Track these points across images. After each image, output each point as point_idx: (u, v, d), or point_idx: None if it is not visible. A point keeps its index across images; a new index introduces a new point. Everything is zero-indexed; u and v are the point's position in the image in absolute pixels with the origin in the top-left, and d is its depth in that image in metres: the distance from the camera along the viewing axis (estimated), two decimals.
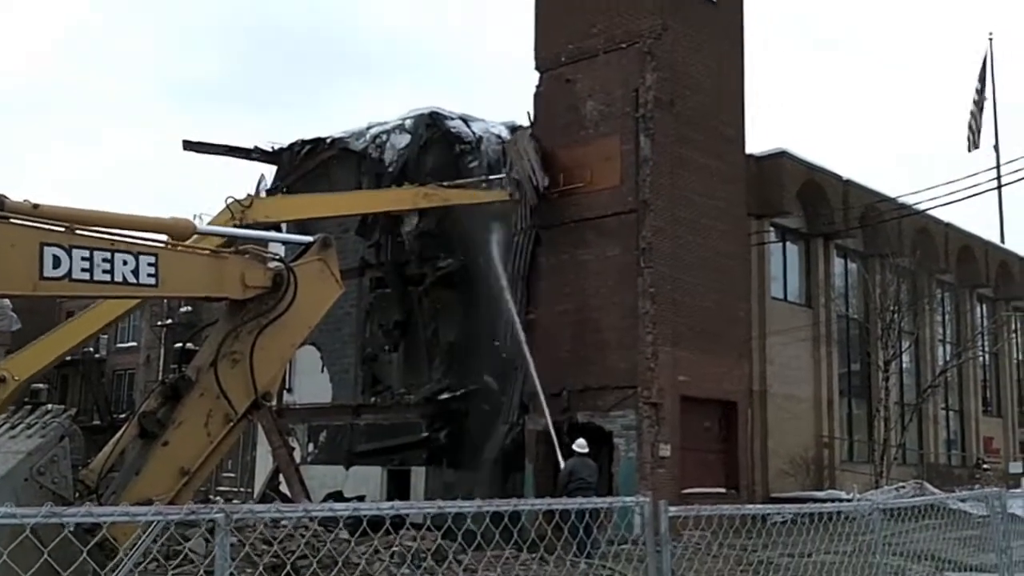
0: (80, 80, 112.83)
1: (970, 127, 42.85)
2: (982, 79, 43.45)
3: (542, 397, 21.15)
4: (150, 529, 5.74)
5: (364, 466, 24.74)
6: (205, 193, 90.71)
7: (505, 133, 25.12)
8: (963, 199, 25.57)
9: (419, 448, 23.62)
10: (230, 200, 18.35)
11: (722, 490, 22.07)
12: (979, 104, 42.80)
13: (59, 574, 5.86)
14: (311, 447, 26.25)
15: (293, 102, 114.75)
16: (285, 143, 27.84)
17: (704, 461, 22.15)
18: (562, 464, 18.63)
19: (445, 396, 23.73)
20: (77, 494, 9.77)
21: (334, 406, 26.30)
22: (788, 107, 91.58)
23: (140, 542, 6.23)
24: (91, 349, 53.88)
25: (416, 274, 24.85)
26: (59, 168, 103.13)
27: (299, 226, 26.21)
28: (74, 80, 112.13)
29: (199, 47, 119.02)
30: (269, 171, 28.60)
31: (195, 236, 12.06)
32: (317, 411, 26.47)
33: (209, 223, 18.38)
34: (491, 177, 23.53)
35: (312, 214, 21.46)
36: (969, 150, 42.97)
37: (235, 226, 18.36)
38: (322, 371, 26.83)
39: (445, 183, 22.76)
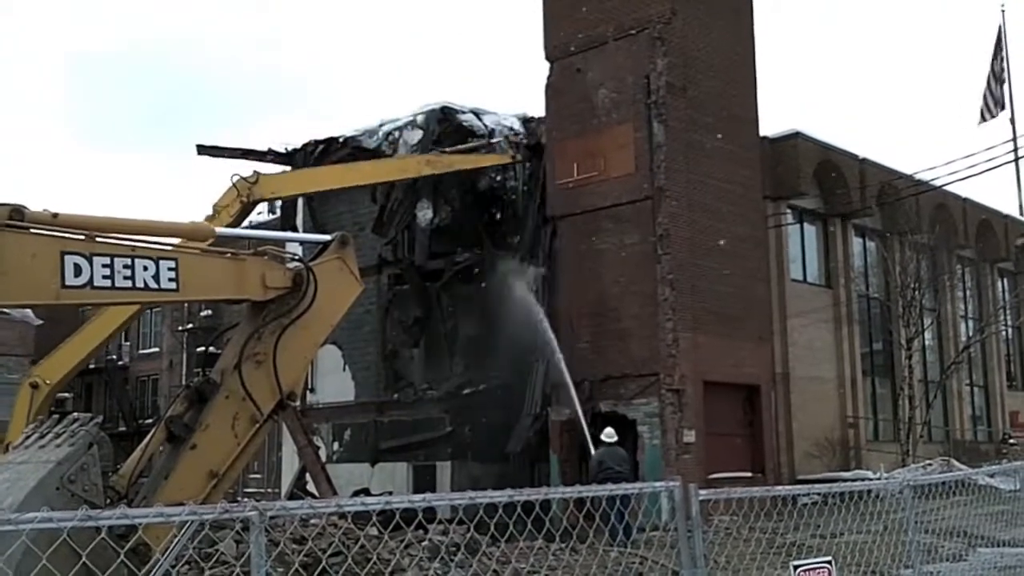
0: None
1: (985, 99, 42.47)
2: (996, 51, 43.07)
3: (571, 387, 21.11)
4: (184, 530, 5.76)
5: (389, 463, 24.77)
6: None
7: (518, 125, 25.07)
8: (981, 172, 25.35)
9: (444, 443, 23.63)
10: (236, 178, 18.42)
11: (748, 474, 22.04)
12: (997, 76, 42.43)
13: None
14: (336, 446, 26.28)
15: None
16: (298, 144, 27.83)
17: (729, 445, 22.11)
18: (593, 453, 18.61)
19: (468, 390, 23.75)
20: (108, 500, 9.82)
21: (357, 404, 26.34)
22: (800, 85, 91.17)
23: (174, 543, 6.26)
24: (113, 356, 54.16)
25: (433, 270, 24.86)
26: None
27: (315, 225, 26.38)
28: None
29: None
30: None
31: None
32: (341, 410, 26.50)
33: (216, 203, 18.66)
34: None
35: (319, 187, 21.60)
36: (980, 122, 42.60)
37: (242, 203, 18.54)
38: (344, 369, 26.88)
39: (447, 149, 22.72)
